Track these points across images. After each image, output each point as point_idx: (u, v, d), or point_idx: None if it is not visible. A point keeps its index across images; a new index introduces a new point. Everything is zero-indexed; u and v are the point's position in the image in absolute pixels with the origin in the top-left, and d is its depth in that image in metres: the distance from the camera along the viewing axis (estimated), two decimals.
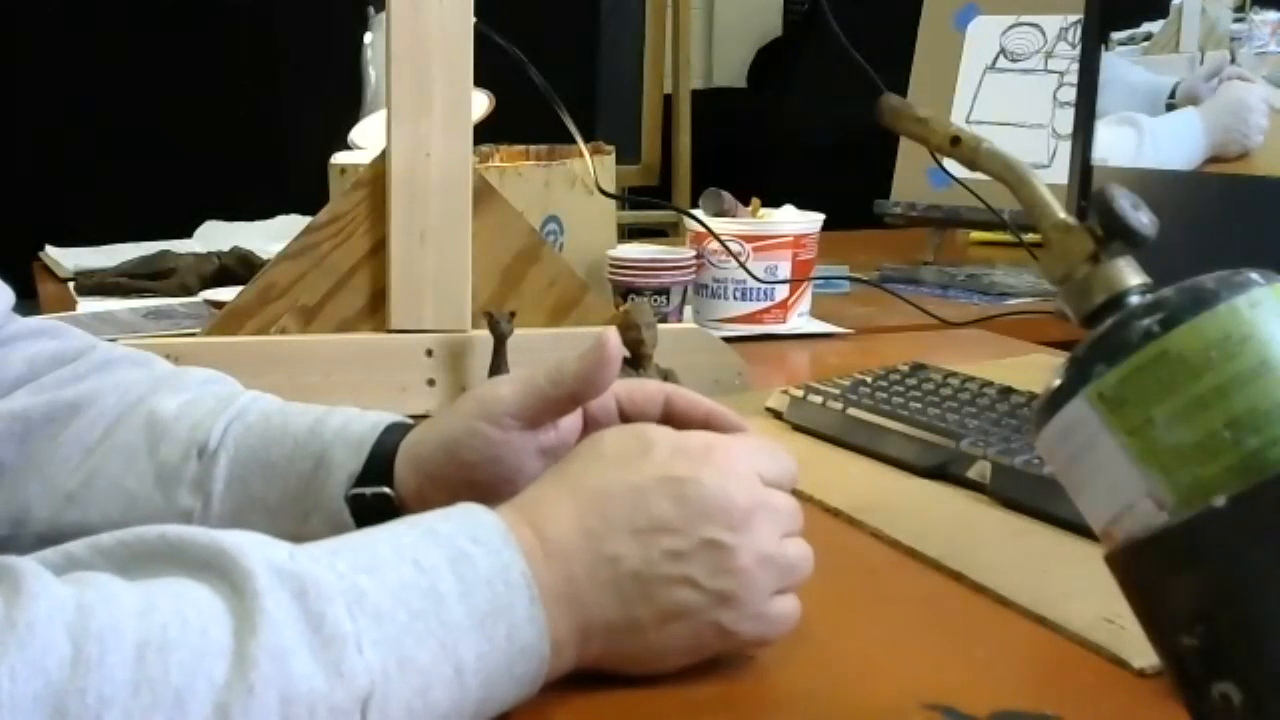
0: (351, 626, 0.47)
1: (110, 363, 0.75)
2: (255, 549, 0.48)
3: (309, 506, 0.67)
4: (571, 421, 0.67)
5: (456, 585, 0.51)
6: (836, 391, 0.99)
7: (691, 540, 0.56)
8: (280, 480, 0.68)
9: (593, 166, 1.35)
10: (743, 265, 1.34)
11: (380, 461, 0.67)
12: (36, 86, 2.75)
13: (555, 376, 0.65)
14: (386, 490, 0.66)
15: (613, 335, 0.65)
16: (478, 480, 0.65)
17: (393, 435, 0.68)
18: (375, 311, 1.06)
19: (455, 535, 0.53)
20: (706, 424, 0.66)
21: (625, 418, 0.68)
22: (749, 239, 1.35)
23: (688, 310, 1.33)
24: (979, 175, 0.56)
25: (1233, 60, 1.04)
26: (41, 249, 1.91)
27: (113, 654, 0.43)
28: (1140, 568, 0.44)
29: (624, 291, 1.31)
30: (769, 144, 3.39)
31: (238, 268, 1.61)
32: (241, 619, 0.46)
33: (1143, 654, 0.58)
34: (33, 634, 0.42)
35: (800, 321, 1.39)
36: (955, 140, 0.57)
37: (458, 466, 0.65)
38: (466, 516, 0.55)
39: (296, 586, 0.47)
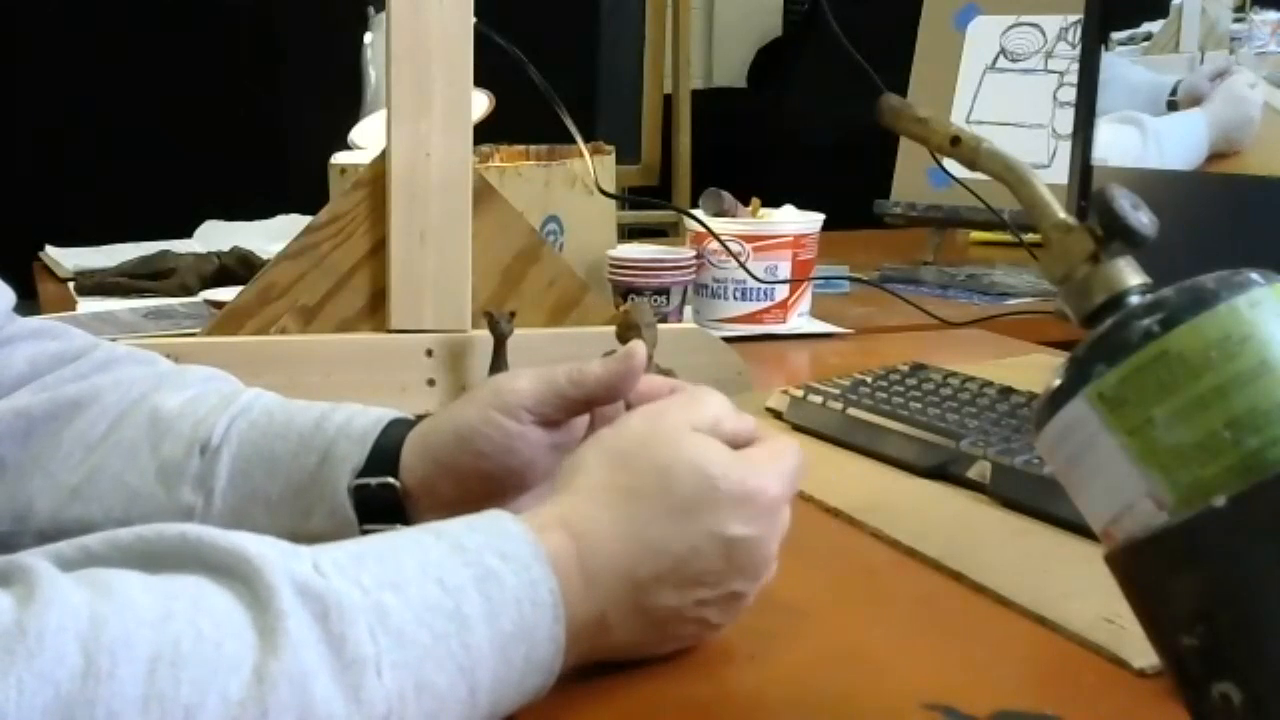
0: (373, 649, 0.46)
1: (112, 361, 0.75)
2: (278, 561, 0.47)
3: (312, 501, 0.67)
4: (584, 419, 0.67)
5: (483, 606, 0.50)
6: (836, 391, 0.99)
7: (720, 591, 0.58)
8: (284, 475, 0.68)
9: (593, 166, 1.35)
10: (743, 265, 1.34)
11: (384, 455, 0.67)
12: (36, 86, 2.75)
13: (577, 378, 0.65)
14: (391, 480, 0.66)
15: (640, 347, 0.66)
16: (488, 470, 0.65)
17: (397, 430, 0.68)
18: (375, 311, 1.06)
19: (483, 550, 0.52)
20: None
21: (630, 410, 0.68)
22: (749, 239, 1.35)
23: (688, 310, 1.33)
24: (979, 175, 0.56)
25: (1231, 55, 1.04)
26: (41, 249, 1.91)
27: (124, 667, 0.42)
28: (1140, 568, 0.44)
29: (624, 291, 1.31)
30: (769, 144, 3.39)
31: (238, 268, 1.61)
32: (263, 635, 0.45)
33: (1143, 654, 0.58)
34: (43, 644, 0.41)
35: (800, 321, 1.39)
36: (955, 140, 0.57)
37: (470, 456, 0.66)
38: (494, 527, 0.54)
39: (320, 608, 0.46)
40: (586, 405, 0.66)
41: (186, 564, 0.47)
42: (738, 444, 0.60)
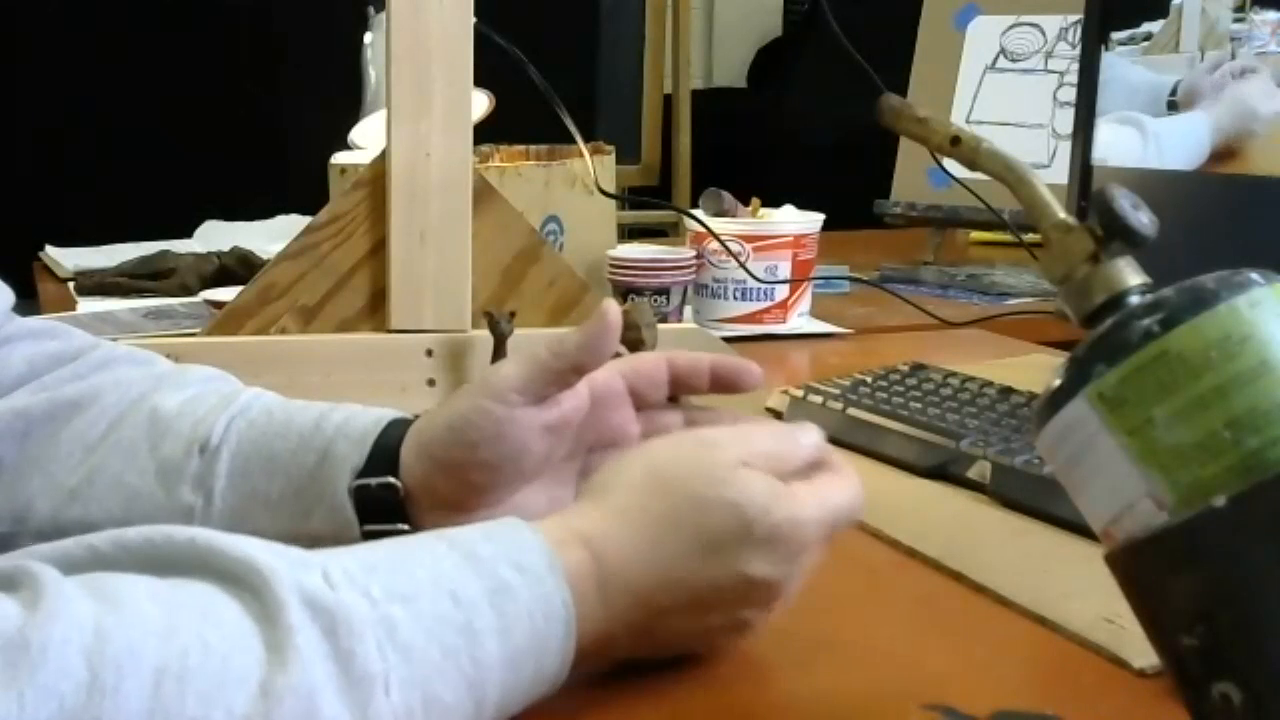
0: (381, 666, 0.46)
1: (111, 361, 0.75)
2: (287, 573, 0.47)
3: (312, 501, 0.67)
4: (575, 401, 0.67)
5: (495, 621, 0.50)
6: (836, 391, 0.99)
7: (732, 618, 0.58)
8: (283, 475, 0.68)
9: (593, 166, 1.35)
10: (743, 265, 1.34)
11: (383, 455, 0.67)
12: (36, 86, 2.75)
13: (556, 348, 0.65)
14: (391, 480, 0.66)
15: (612, 305, 0.65)
16: (483, 461, 0.65)
17: (396, 430, 0.68)
18: (375, 311, 1.06)
19: (497, 561, 0.52)
20: (713, 378, 0.68)
21: (634, 394, 0.68)
22: (749, 239, 1.35)
23: (688, 310, 1.33)
24: (979, 175, 0.56)
25: (1233, 57, 1.04)
26: (41, 249, 1.91)
27: (129, 681, 0.41)
28: (1140, 568, 0.44)
29: (624, 291, 1.31)
30: (769, 144, 3.39)
31: (238, 268, 1.61)
32: (271, 649, 0.44)
33: (1143, 654, 0.58)
34: (46, 657, 0.41)
35: (800, 321, 1.39)
36: (955, 140, 0.57)
37: (463, 448, 0.65)
38: (511, 538, 0.54)
39: (328, 622, 0.46)
40: (574, 372, 0.65)
41: (194, 570, 0.47)
42: (795, 472, 0.59)
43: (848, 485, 0.61)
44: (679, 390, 0.69)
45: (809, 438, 0.61)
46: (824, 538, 0.59)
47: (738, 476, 0.57)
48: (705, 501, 0.56)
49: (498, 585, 0.51)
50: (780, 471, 0.58)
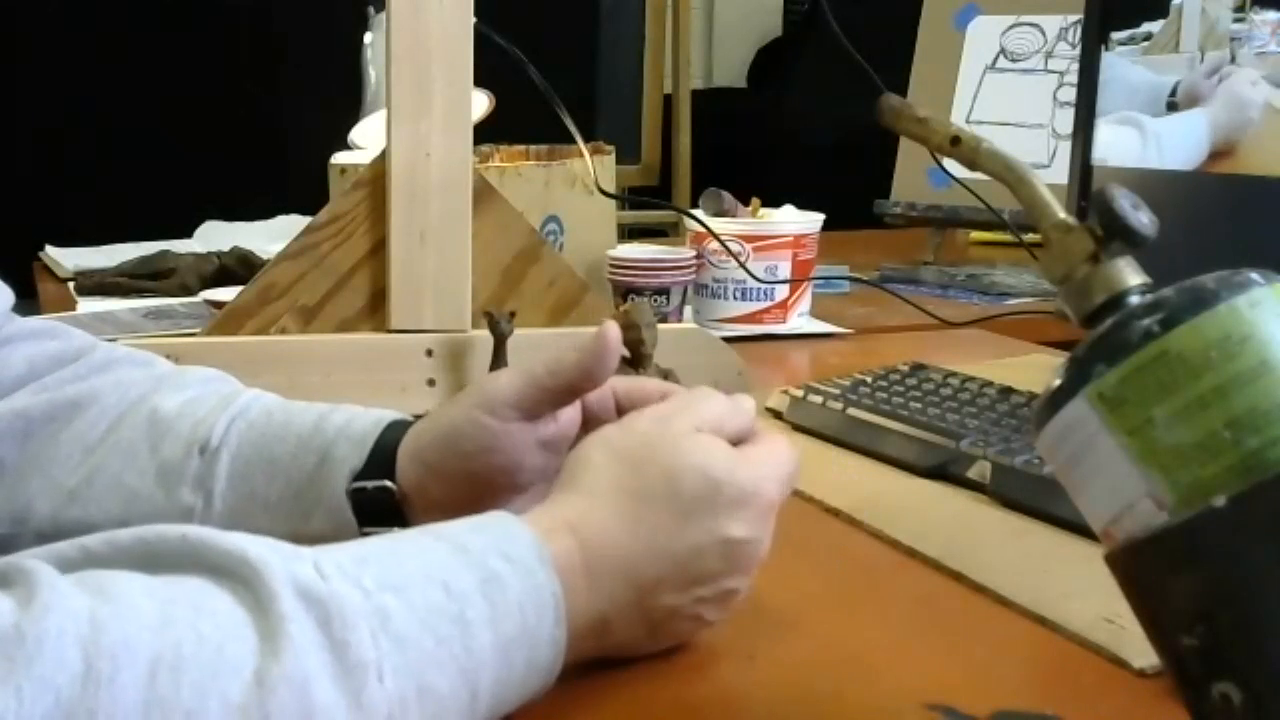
0: (374, 654, 0.46)
1: (111, 362, 0.75)
2: (279, 564, 0.47)
3: (311, 503, 0.67)
4: (571, 414, 0.67)
5: (486, 610, 0.50)
6: (836, 391, 0.99)
7: (719, 589, 0.59)
8: (283, 477, 0.68)
9: (593, 166, 1.35)
10: (743, 265, 1.34)
11: (382, 457, 0.67)
12: (36, 86, 2.75)
13: (554, 367, 0.65)
14: (387, 483, 0.66)
15: (612, 328, 0.65)
16: (475, 471, 0.65)
17: (395, 431, 0.68)
18: (375, 311, 1.06)
19: (486, 552, 0.52)
20: None
21: (628, 409, 0.68)
22: (749, 239, 1.35)
23: (688, 310, 1.33)
24: (979, 175, 0.56)
25: (1232, 60, 1.04)
26: (41, 249, 1.91)
27: (125, 672, 0.42)
28: (1140, 568, 0.44)
29: (624, 291, 1.31)
30: (769, 144, 3.39)
31: (238, 268, 1.61)
32: (265, 639, 0.45)
33: (1143, 654, 0.58)
34: (42, 649, 0.41)
35: (800, 321, 1.39)
36: (955, 140, 0.57)
37: (456, 457, 0.65)
38: (500, 530, 0.54)
39: (321, 612, 0.46)
40: (569, 393, 0.66)
41: (187, 565, 0.47)
42: (738, 441, 0.61)
43: (786, 448, 0.62)
44: None
45: (747, 404, 0.63)
46: (783, 496, 0.60)
47: (698, 443, 0.59)
48: (673, 470, 0.57)
49: (488, 576, 0.51)
50: (727, 437, 0.60)
